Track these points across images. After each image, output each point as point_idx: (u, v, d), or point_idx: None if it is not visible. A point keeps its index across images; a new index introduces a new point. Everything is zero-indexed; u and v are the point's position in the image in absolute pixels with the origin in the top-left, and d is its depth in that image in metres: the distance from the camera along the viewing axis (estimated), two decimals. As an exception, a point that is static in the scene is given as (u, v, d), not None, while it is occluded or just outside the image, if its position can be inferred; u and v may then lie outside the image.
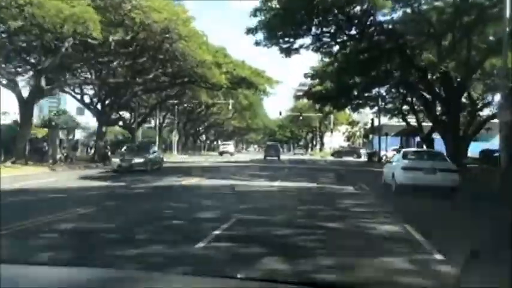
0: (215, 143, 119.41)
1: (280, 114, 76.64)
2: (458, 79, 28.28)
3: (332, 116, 76.38)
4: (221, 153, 64.33)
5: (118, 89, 37.72)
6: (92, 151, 43.08)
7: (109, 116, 40.20)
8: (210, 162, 41.38)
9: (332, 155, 67.62)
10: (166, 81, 40.05)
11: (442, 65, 26.70)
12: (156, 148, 31.59)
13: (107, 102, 40.34)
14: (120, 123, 49.85)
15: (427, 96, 32.54)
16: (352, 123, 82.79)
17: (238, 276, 2.11)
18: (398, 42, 28.22)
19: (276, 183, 18.82)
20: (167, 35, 26.57)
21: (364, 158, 60.00)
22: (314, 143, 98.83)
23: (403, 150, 21.55)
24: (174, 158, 57.69)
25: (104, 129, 39.50)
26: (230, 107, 59.65)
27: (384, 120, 57.39)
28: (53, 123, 41.77)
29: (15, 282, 1.79)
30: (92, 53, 27.24)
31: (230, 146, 68.64)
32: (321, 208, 11.71)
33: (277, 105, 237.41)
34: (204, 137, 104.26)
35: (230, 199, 13.59)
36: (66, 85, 31.51)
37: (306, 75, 40.40)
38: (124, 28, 26.87)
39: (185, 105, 72.78)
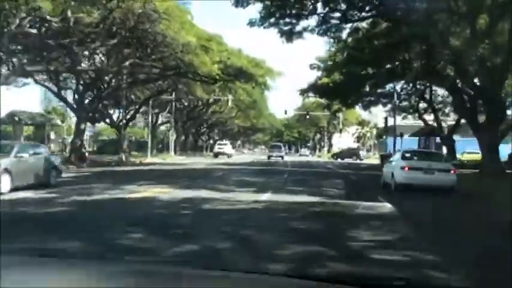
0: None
1: (286, 113, 71.78)
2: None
3: (341, 115, 71.37)
4: (216, 155, 57.06)
5: (97, 80, 33.15)
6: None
7: (89, 111, 35.59)
8: (204, 165, 36.71)
9: (332, 156, 65.94)
10: (155, 73, 35.45)
11: (477, 50, 21.67)
12: (42, 149, 17.80)
13: (88, 96, 35.81)
14: (110, 122, 45.35)
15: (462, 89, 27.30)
16: (363, 123, 77.67)
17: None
18: (422, 24, 23.24)
19: (265, 197, 13.99)
20: (141, 10, 21.81)
21: (366, 160, 58.20)
22: (322, 144, 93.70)
23: (402, 150, 22.01)
24: (170, 158, 53.18)
25: (83, 126, 34.89)
26: (229, 104, 54.52)
27: (398, 119, 52.40)
28: (16, 119, 37.08)
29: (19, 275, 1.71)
30: (49, 33, 22.57)
31: (227, 147, 60.09)
32: (319, 251, 6.78)
33: (282, 103, 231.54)
34: (206, 136, 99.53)
35: (173, 229, 8.06)
36: (27, 73, 26.77)
37: (311, 67, 35.55)
38: (96, 6, 22.29)
39: (183, 102, 68.31)
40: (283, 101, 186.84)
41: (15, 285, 1.60)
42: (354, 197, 14.32)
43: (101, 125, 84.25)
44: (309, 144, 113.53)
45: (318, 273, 4.30)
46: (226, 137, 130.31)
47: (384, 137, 74.87)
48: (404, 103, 49.25)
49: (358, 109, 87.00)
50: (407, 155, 18.68)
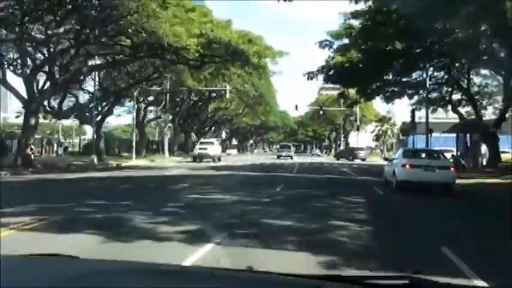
0: (227, 143, 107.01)
1: (296, 108, 63.57)
2: None
3: (358, 111, 63.20)
4: (196, 158, 41.21)
5: (46, 62, 25.77)
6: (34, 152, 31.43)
7: (40, 102, 28.24)
8: (187, 169, 29.17)
9: (335, 156, 62.43)
10: (124, 54, 28.03)
11: None
12: None
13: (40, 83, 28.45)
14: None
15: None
16: (383, 120, 69.26)
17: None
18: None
19: (195, 257, 6.22)
20: None
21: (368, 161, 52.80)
22: (338, 143, 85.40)
23: (404, 148, 22.50)
24: (160, 160, 45.94)
25: (33, 121, 27.50)
26: (228, 96, 46.56)
27: (421, 114, 44.36)
28: None
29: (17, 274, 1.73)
30: None
31: (211, 147, 42.70)
32: None
33: (294, 99, 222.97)
34: (212, 135, 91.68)
35: None
36: None
37: (321, 44, 27.53)
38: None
39: (183, 97, 60.79)
40: (294, 97, 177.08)
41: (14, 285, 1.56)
42: (404, 260, 6.40)
43: (114, 123, 77.31)
44: (325, 144, 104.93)
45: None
46: (236, 136, 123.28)
47: (404, 135, 66.58)
48: (434, 94, 41.21)
49: (377, 103, 78.57)
50: (408, 153, 19.32)
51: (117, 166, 34.41)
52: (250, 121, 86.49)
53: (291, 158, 54.29)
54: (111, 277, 1.72)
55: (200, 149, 42.15)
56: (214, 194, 14.01)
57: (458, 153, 35.40)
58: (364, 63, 25.80)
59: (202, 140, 51.73)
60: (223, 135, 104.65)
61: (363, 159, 55.13)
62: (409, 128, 37.41)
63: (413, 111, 38.19)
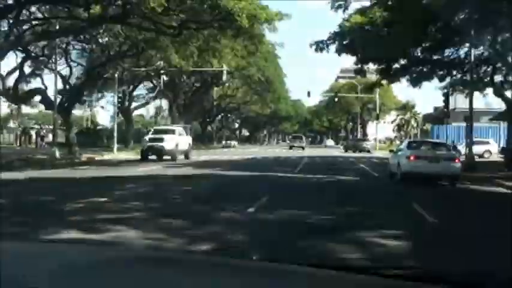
0: (237, 133, 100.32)
1: (309, 95, 56.12)
2: None
3: (377, 96, 55.84)
4: (144, 155, 27.99)
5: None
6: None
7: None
8: (161, 169, 22.67)
9: (343, 147, 56.74)
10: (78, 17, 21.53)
11: None
12: None
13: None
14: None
15: None
16: (407, 107, 61.79)
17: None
18: None
19: None
20: None
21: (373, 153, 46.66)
22: (355, 134, 78.11)
23: (408, 140, 24.71)
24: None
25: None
26: (225, 77, 39.55)
27: (460, 99, 37.18)
28: None
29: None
30: None
31: (169, 140, 27.63)
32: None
33: (307, 87, 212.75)
34: (220, 125, 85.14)
35: None
36: None
37: (334, 3, 20.52)
38: None
39: (185, 82, 54.28)
40: (308, 85, 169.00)
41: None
42: None
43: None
44: (341, 134, 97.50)
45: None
46: (245, 127, 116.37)
47: (434, 124, 58.99)
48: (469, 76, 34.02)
49: (399, 89, 70.89)
50: (413, 144, 19.37)
51: (87, 160, 28.24)
52: (260, 110, 79.49)
53: (303, 148, 55.00)
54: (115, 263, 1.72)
55: (151, 140, 27.84)
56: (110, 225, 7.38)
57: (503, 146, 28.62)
58: (391, 26, 18.97)
59: (156, 127, 36.64)
60: (232, 126, 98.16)
61: (368, 151, 49.27)
62: (442, 116, 30.30)
63: (447, 95, 31.24)
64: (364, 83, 68.13)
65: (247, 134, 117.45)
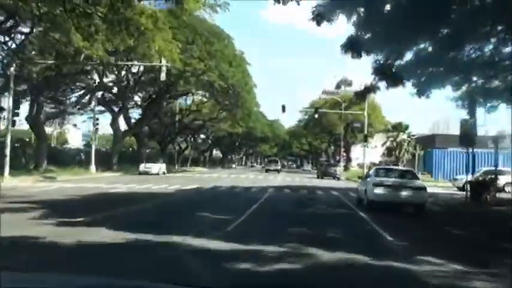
0: (206, 154, 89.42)
1: (284, 109, 45.72)
2: None
3: (366, 114, 46.19)
4: None
5: None
6: None
7: None
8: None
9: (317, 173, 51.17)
10: None
11: None
12: None
13: None
14: None
15: None
16: (399, 127, 52.30)
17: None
18: None
19: None
20: None
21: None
22: (337, 158, 68.36)
23: (375, 167, 22.46)
24: (77, 178, 29.60)
25: None
26: (163, 75, 29.08)
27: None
28: None
29: None
30: None
31: None
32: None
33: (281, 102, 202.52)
34: (189, 144, 74.47)
35: None
36: None
37: None
38: None
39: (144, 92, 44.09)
40: (286, 103, 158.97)
41: None
42: None
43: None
44: (322, 159, 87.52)
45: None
46: (218, 147, 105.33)
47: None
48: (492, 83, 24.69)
49: (385, 110, 62.53)
50: (380, 171, 18.72)
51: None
52: (230, 128, 69.30)
53: (278, 172, 57.09)
54: None
55: None
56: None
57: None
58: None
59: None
60: (202, 147, 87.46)
61: (338, 178, 43.67)
62: (469, 131, 20.72)
63: (473, 105, 21.71)
64: (349, 99, 59.81)
65: (221, 155, 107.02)
